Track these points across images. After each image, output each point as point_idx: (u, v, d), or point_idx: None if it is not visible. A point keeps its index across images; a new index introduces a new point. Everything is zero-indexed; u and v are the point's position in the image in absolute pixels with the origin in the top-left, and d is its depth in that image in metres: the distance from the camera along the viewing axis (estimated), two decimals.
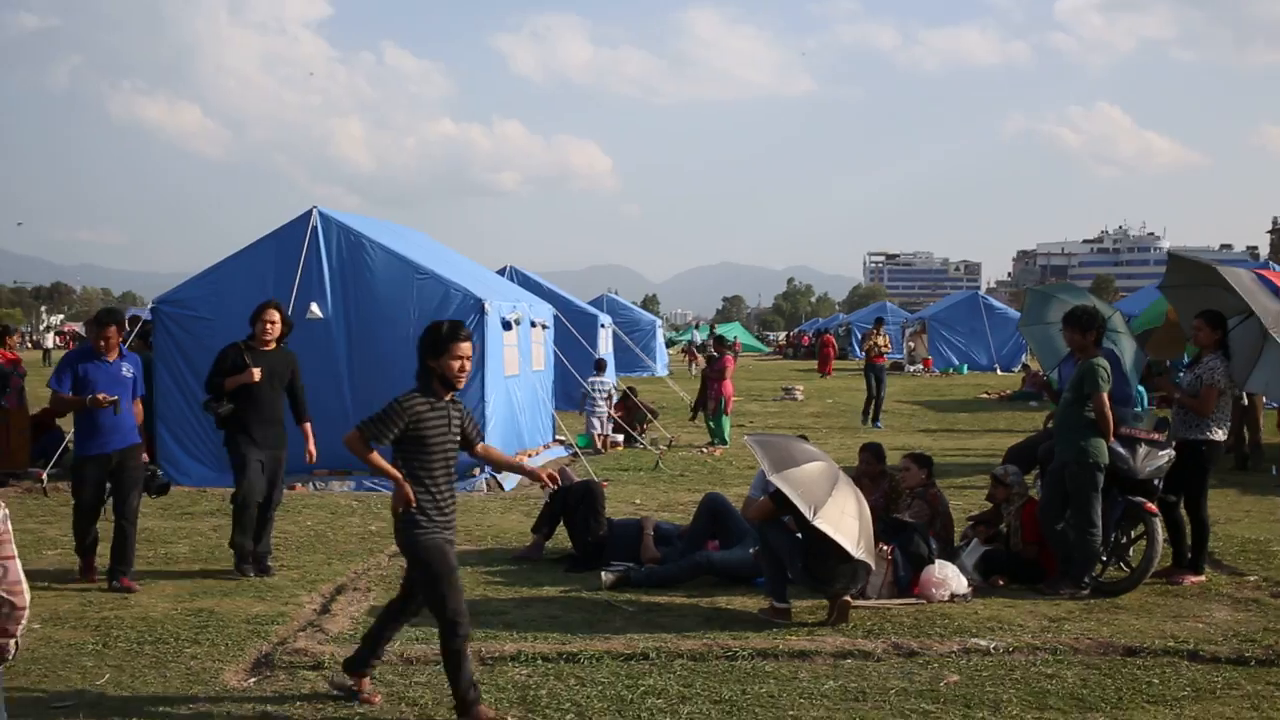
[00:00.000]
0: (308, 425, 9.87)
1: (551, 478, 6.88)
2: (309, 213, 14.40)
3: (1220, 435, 9.28)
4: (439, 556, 6.02)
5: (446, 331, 6.07)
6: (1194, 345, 9.57)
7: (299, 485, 13.93)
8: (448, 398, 6.15)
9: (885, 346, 25.06)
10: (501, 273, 25.42)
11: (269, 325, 9.57)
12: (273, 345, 9.65)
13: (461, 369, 6.07)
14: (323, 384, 13.98)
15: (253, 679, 6.76)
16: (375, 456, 6.06)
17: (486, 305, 14.18)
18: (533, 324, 17.11)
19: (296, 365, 9.85)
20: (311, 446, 9.85)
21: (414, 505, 5.99)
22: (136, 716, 6.10)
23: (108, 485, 9.07)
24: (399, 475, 6.03)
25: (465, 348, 6.08)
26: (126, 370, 9.09)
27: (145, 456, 9.56)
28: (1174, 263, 10.94)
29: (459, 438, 6.23)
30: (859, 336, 62.04)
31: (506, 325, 15.04)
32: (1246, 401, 15.25)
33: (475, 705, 5.95)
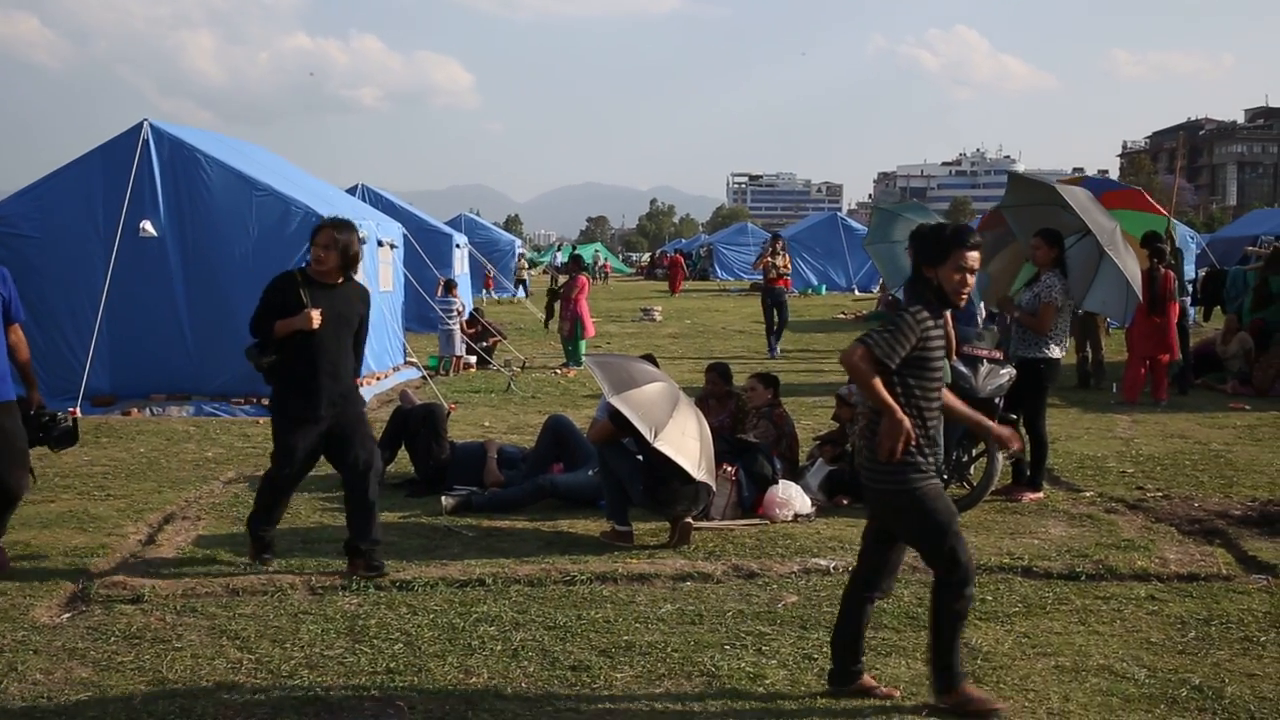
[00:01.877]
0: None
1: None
2: (139, 126, 13.74)
3: (1058, 353, 9.38)
4: (945, 503, 5.09)
5: (951, 235, 5.07)
6: (1032, 264, 9.65)
7: (135, 410, 13.43)
8: (944, 315, 5.17)
9: (785, 268, 22.21)
10: (352, 191, 24.77)
11: (321, 253, 7.09)
12: (338, 279, 7.24)
13: (963, 282, 5.03)
14: (157, 304, 13.53)
15: (66, 615, 6.42)
16: (878, 382, 4.94)
17: None
18: (380, 243, 16.67)
19: (367, 308, 7.49)
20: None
21: (914, 443, 4.99)
22: None
23: None
24: (897, 406, 4.96)
25: (972, 257, 5.05)
26: None
27: (38, 398, 7.44)
28: (1014, 182, 11.02)
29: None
30: (723, 257, 62.37)
31: None
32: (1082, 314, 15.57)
33: (961, 683, 5.11)
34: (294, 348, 7.05)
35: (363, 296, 7.44)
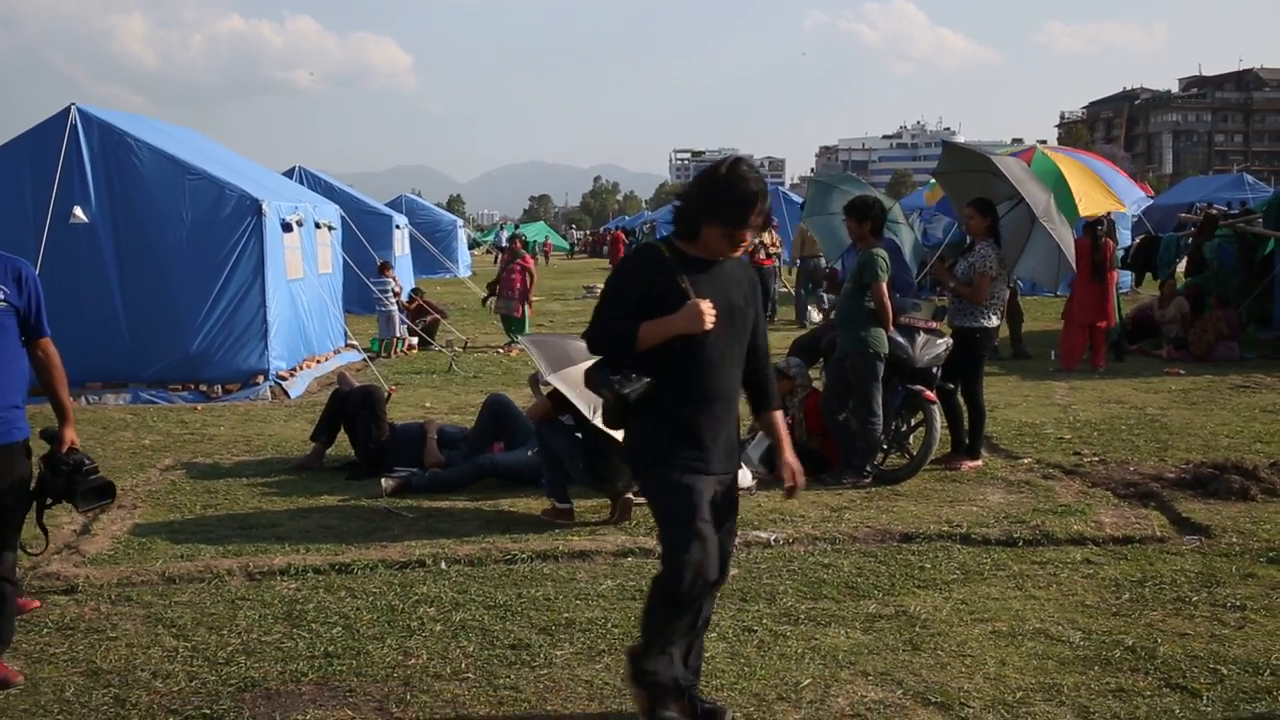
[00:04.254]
0: (777, 417, 4.84)
1: None
2: (67, 110, 13.49)
3: (994, 322, 9.44)
4: None
5: None
6: (966, 233, 9.71)
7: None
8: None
9: (774, 246, 19.48)
10: (289, 174, 24.53)
11: (738, 235, 4.42)
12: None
13: None
14: (91, 291, 13.29)
15: None
16: None
17: (264, 206, 13.57)
18: (317, 225, 16.51)
19: (759, 290, 4.83)
20: (787, 458, 4.77)
21: None
22: None
23: None
24: None
25: None
26: None
27: (73, 439, 5.61)
28: (948, 150, 11.10)
29: None
30: (663, 234, 62.33)
31: (287, 227, 14.42)
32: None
33: None
34: (667, 361, 4.41)
35: (749, 275, 4.73)
